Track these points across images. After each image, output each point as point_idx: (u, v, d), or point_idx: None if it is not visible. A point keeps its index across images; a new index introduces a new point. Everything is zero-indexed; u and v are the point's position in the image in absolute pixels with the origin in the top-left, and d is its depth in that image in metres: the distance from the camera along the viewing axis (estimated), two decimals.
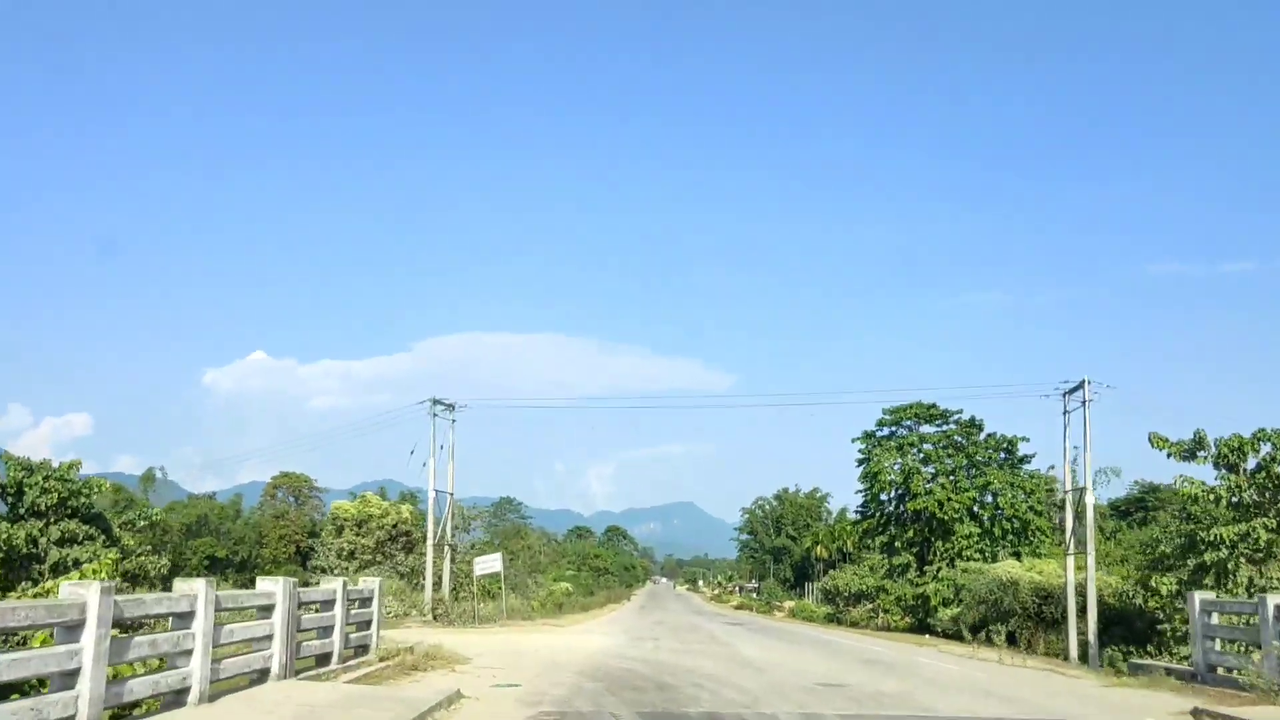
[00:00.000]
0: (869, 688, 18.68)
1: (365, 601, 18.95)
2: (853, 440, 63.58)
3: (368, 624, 18.93)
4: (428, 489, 43.54)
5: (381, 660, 18.62)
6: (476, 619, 42.31)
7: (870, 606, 78.19)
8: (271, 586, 14.23)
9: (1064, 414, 38.33)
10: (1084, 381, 37.25)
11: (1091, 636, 34.64)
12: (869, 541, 76.03)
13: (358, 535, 49.51)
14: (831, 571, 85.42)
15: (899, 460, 60.99)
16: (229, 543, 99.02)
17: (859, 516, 66.34)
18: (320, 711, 12.06)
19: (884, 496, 62.19)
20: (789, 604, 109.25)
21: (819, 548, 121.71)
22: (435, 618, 42.14)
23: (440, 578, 45.44)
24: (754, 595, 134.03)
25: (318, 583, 19.24)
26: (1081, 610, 35.99)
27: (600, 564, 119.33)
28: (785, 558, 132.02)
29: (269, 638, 13.71)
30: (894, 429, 63.24)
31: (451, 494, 45.31)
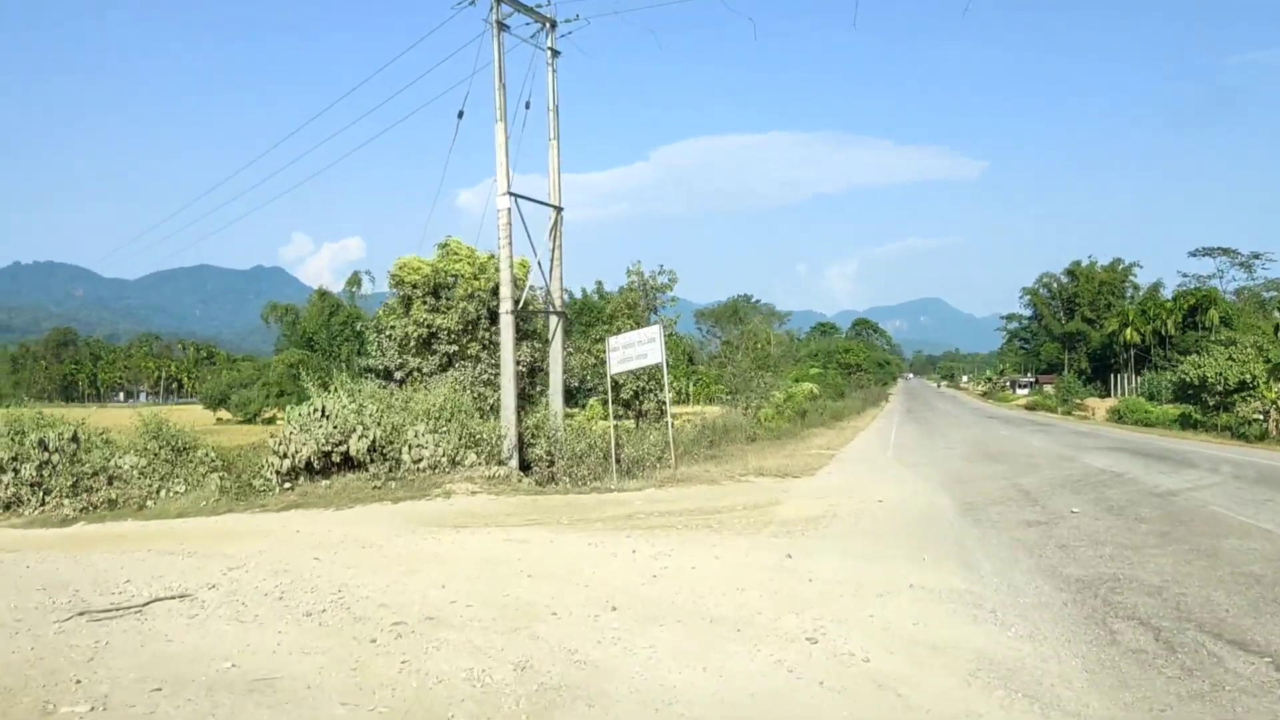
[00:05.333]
0: None
1: None
2: None
3: None
4: (497, 184, 19.28)
5: None
6: (618, 470, 18.68)
7: (1256, 405, 50.29)
8: None
9: None
10: None
11: None
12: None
13: (433, 312, 26.48)
14: (1191, 357, 56.76)
15: None
16: None
17: None
18: None
19: None
20: (1099, 402, 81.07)
21: (1128, 331, 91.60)
22: (526, 469, 18.88)
23: (532, 378, 22.25)
24: (1037, 390, 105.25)
25: None
26: None
27: (851, 359, 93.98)
28: (1080, 345, 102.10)
29: None
30: None
31: (559, 208, 20.99)
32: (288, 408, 19.54)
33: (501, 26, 18.63)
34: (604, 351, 20.92)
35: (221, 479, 19.33)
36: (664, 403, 31.67)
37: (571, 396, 32.83)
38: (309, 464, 18.08)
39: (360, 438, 17.76)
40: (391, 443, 17.95)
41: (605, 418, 26.60)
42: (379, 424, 17.85)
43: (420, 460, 17.72)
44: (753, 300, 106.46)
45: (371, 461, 17.95)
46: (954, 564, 9.25)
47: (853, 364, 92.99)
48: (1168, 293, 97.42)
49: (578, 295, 75.20)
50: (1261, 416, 46.80)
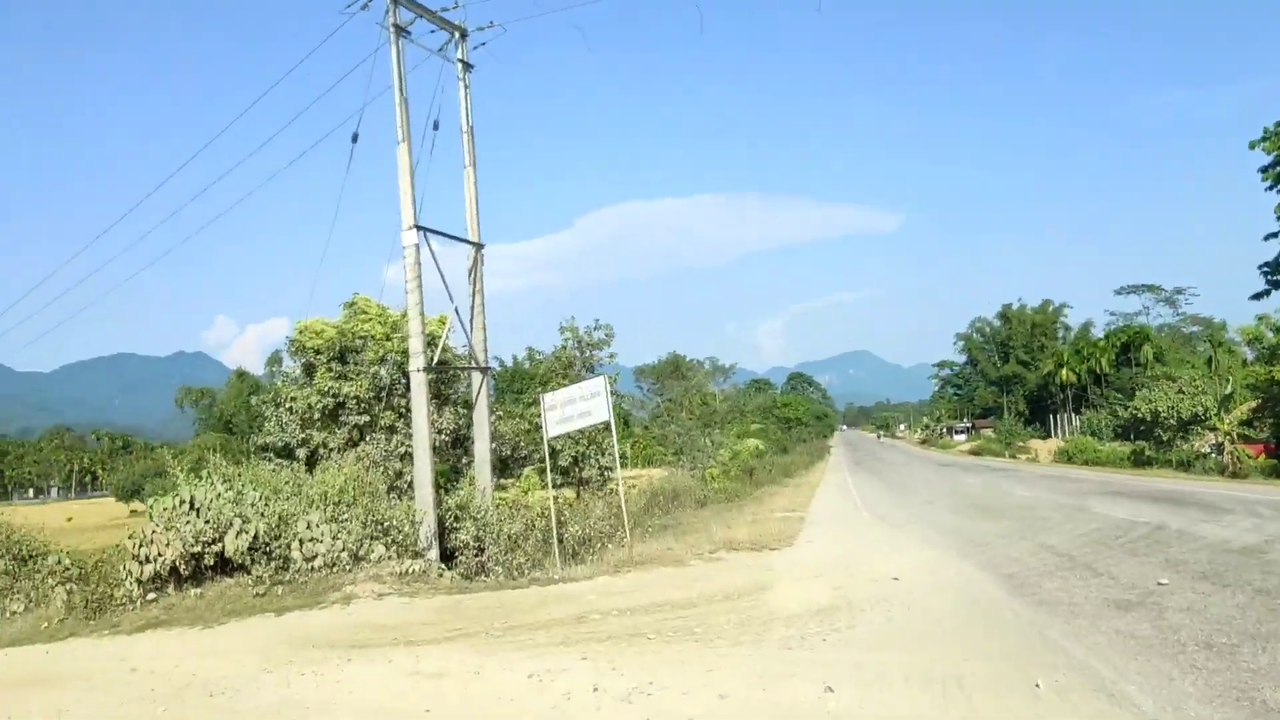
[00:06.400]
0: None
1: None
2: (1253, 145, 32.51)
3: None
4: (401, 218, 16.00)
5: None
6: (561, 553, 15.36)
7: (1210, 438, 48.92)
8: None
9: None
10: None
11: None
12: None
13: (340, 379, 23.02)
14: (1142, 392, 55.25)
15: None
16: None
17: (1267, 279, 34.94)
18: None
19: None
20: (1041, 444, 79.53)
21: (1064, 371, 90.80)
22: (449, 559, 15.45)
23: (459, 449, 18.98)
24: (976, 435, 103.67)
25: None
26: None
27: (790, 414, 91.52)
28: (1017, 388, 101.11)
29: None
30: None
31: (479, 244, 17.80)
32: (150, 500, 15.79)
33: (401, 32, 15.52)
34: (539, 414, 17.64)
35: (70, 592, 15.54)
36: (609, 468, 28.31)
37: (505, 467, 29.29)
38: (174, 569, 14.42)
39: (239, 533, 14.15)
40: (279, 537, 14.38)
41: (543, 488, 23.32)
42: (263, 515, 14.28)
43: (314, 557, 14.16)
44: (685, 358, 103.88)
45: (254, 562, 14.32)
46: (1090, 695, 6.09)
47: (792, 418, 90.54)
48: (1098, 331, 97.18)
49: (508, 363, 71.55)
50: (1213, 450, 45.16)
